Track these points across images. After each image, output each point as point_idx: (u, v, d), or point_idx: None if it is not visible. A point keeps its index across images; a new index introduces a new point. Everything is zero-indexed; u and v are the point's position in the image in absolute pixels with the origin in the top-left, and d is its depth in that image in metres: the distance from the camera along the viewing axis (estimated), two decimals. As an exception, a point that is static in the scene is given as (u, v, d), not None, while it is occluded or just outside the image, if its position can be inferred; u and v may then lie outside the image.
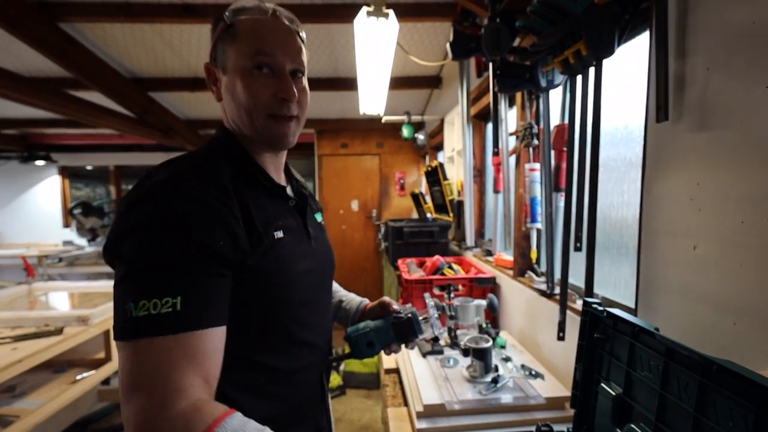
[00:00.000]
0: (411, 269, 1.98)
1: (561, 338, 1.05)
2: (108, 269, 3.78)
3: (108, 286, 2.48)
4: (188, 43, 2.44)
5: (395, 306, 0.81)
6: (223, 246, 0.51)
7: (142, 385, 0.44)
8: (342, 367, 3.01)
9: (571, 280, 1.08)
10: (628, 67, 1.05)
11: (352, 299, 0.92)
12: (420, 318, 0.76)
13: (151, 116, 3.14)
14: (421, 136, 3.42)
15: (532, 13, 0.92)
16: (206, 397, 0.47)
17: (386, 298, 0.84)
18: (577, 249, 0.96)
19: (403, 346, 0.77)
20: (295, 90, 0.62)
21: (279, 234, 0.61)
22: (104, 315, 1.73)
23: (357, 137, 4.25)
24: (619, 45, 0.85)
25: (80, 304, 2.16)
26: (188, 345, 0.46)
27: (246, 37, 0.60)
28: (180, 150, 4.38)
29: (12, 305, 2.02)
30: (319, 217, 0.80)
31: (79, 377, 1.68)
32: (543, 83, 1.11)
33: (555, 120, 1.25)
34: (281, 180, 0.71)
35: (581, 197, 0.95)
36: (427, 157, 3.98)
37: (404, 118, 3.37)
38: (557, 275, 1.21)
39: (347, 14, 1.99)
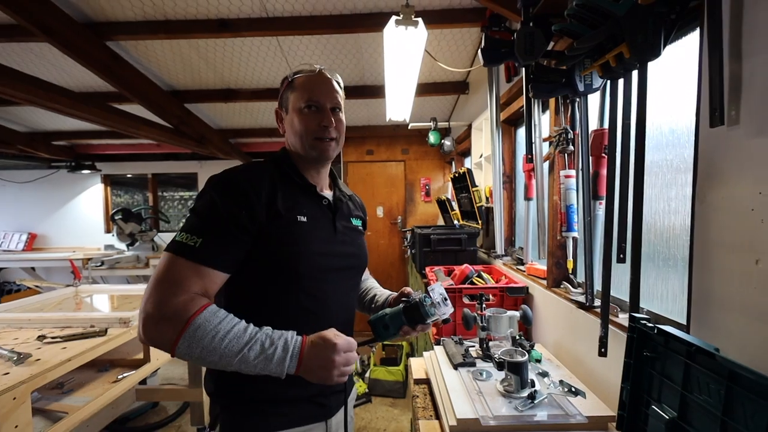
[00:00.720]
0: (439, 277, 1.95)
1: (602, 354, 1.00)
2: (145, 272, 3.96)
3: (143, 289, 2.58)
4: (222, 57, 2.55)
5: (408, 291, 0.93)
6: (243, 216, 0.75)
7: (165, 281, 0.69)
8: (368, 375, 3.00)
9: (612, 292, 1.03)
10: (672, 67, 1.00)
11: (383, 293, 1.04)
12: (428, 302, 0.83)
13: (187, 126, 3.28)
14: (447, 142, 3.39)
15: (570, 17, 0.89)
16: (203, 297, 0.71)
17: (406, 288, 0.95)
18: (621, 260, 0.91)
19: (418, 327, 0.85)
20: (333, 120, 0.88)
21: (302, 218, 0.83)
22: (143, 317, 1.80)
23: (382, 144, 4.27)
24: (665, 47, 0.81)
25: (119, 306, 2.27)
26: (197, 270, 0.71)
27: (300, 88, 0.87)
28: (212, 158, 4.55)
29: (61, 306, 2.14)
30: (354, 222, 0.99)
31: (120, 377, 1.75)
32: (581, 87, 1.07)
33: (592, 125, 1.20)
34: (323, 185, 0.95)
35: (624, 205, 0.90)
36: (454, 163, 3.94)
37: (431, 124, 3.36)
38: (597, 287, 1.16)
39: (375, 23, 2.02)
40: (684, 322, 0.89)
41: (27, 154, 4.12)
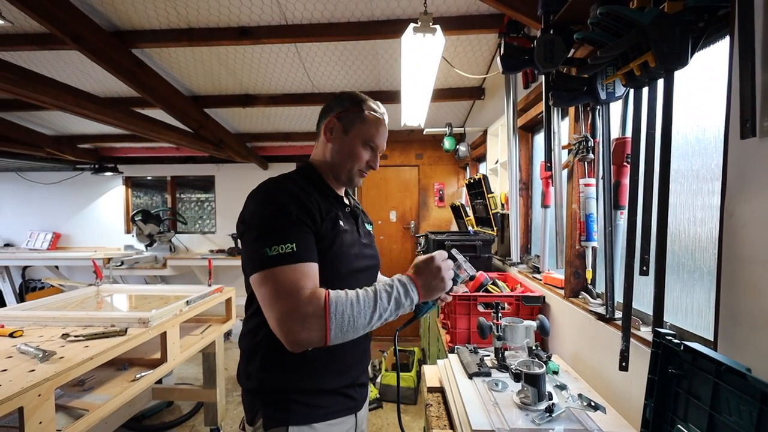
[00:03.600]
0: (453, 284, 1.94)
1: (623, 368, 0.98)
2: (162, 272, 4.04)
3: (161, 289, 2.65)
4: (242, 63, 2.60)
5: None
6: (308, 221, 0.84)
7: (284, 293, 0.75)
8: (379, 380, 2.99)
9: (633, 304, 1.01)
10: (699, 75, 0.97)
11: (396, 276, 1.11)
12: (457, 266, 0.91)
13: (206, 131, 3.36)
14: (462, 148, 3.38)
15: (594, 25, 0.88)
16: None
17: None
18: (644, 273, 0.89)
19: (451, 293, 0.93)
20: (378, 162, 1.01)
21: (342, 225, 0.92)
22: (161, 318, 1.84)
23: (396, 148, 4.28)
24: (692, 55, 0.79)
25: (138, 306, 2.33)
26: (302, 269, 0.78)
27: (371, 125, 0.96)
28: (229, 161, 4.64)
29: (83, 305, 2.21)
30: (368, 227, 1.11)
31: (138, 376, 1.79)
32: (603, 96, 1.05)
33: (613, 133, 1.18)
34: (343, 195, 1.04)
35: (648, 216, 0.88)
36: (468, 169, 3.92)
37: (446, 129, 3.35)
38: (617, 298, 1.13)
39: (393, 30, 2.04)
40: (710, 338, 0.86)
41: (54, 157, 4.27)
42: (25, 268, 5.01)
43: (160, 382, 2.27)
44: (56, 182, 5.05)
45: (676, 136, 1.00)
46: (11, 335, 1.61)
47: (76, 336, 1.59)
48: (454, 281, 0.90)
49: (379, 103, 1.01)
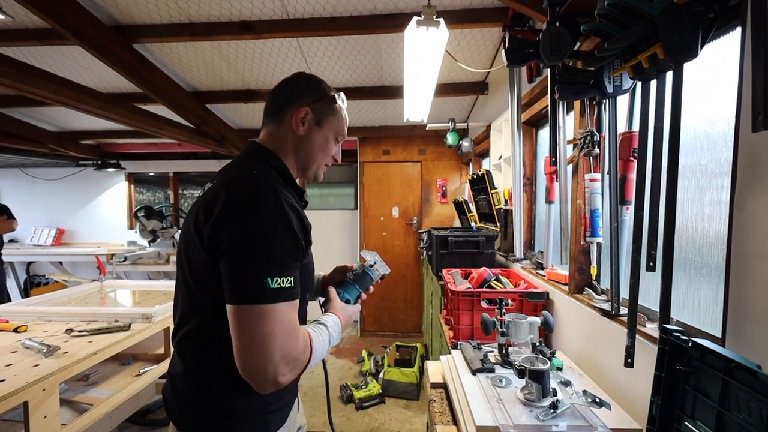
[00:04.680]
0: (456, 280, 1.93)
1: (629, 365, 0.97)
2: (165, 268, 4.05)
3: (164, 285, 2.66)
4: (243, 58, 2.59)
5: (346, 267, 1.06)
6: (303, 246, 0.76)
7: (282, 332, 0.68)
8: (381, 375, 3.00)
9: (639, 300, 1.00)
10: (708, 67, 0.95)
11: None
12: (369, 266, 1.04)
13: (208, 126, 3.35)
14: (465, 143, 3.36)
15: (601, 17, 0.86)
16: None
17: (339, 265, 1.07)
18: (650, 268, 0.88)
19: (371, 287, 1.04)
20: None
21: (311, 237, 0.83)
22: (164, 314, 1.84)
23: (399, 144, 4.26)
24: (702, 47, 0.77)
25: (141, 301, 2.34)
26: (295, 306, 0.73)
27: (340, 118, 0.92)
28: (231, 157, 4.63)
29: (87, 300, 2.22)
30: None
31: (142, 371, 1.80)
32: (609, 89, 1.04)
33: (620, 127, 1.16)
34: None
35: (655, 211, 0.87)
36: (471, 165, 3.90)
37: (449, 125, 3.33)
38: (622, 294, 1.12)
39: (395, 24, 2.01)
40: (718, 334, 0.86)
41: (57, 153, 4.28)
42: (29, 263, 5.04)
43: (164, 377, 2.28)
44: (59, 178, 5.06)
45: (684, 130, 0.98)
46: (16, 330, 1.62)
47: (80, 331, 1.60)
48: (372, 281, 1.03)
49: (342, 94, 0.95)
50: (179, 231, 4.79)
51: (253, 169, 0.80)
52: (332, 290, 0.96)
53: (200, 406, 0.78)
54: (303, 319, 0.86)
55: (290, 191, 0.82)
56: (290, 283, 0.70)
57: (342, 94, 0.93)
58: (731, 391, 0.58)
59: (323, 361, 0.98)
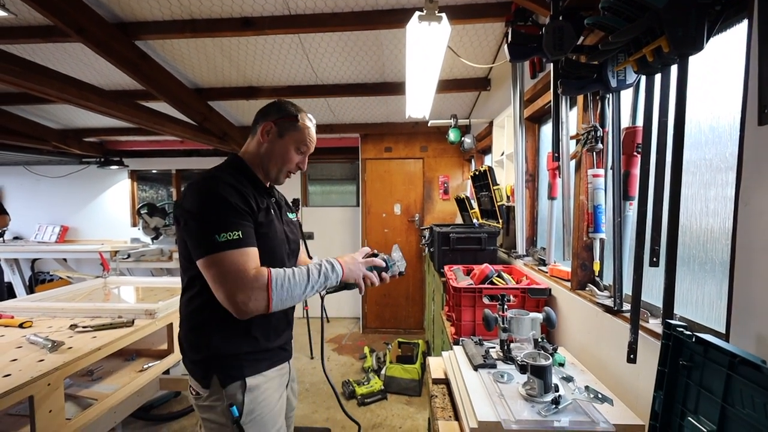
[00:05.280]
0: (458, 277, 1.93)
1: (631, 360, 0.97)
2: (168, 265, 4.07)
3: (167, 282, 2.68)
4: (245, 55, 2.58)
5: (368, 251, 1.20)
6: (248, 210, 0.98)
7: (232, 272, 0.91)
8: (383, 372, 3.00)
9: (641, 295, 0.99)
10: (713, 60, 0.94)
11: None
12: (393, 261, 1.18)
13: (210, 123, 3.35)
14: (468, 140, 3.34)
15: (605, 10, 0.85)
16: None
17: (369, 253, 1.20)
18: (654, 264, 0.87)
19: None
20: (306, 164, 1.18)
21: (272, 215, 1.08)
22: (168, 309, 1.85)
23: (401, 141, 4.25)
24: (708, 40, 0.77)
25: (145, 297, 2.35)
26: (247, 252, 0.94)
27: (302, 132, 1.12)
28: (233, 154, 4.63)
29: (91, 296, 2.23)
30: (290, 215, 1.25)
31: (146, 366, 1.81)
32: (613, 83, 1.03)
33: (623, 122, 1.15)
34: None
35: (659, 207, 0.86)
36: (473, 161, 3.89)
37: (451, 121, 3.31)
38: (625, 290, 1.12)
39: (397, 19, 2.00)
40: (722, 330, 0.85)
41: (60, 150, 4.30)
42: (34, 260, 5.08)
43: (167, 372, 2.30)
44: (63, 176, 5.09)
45: (688, 125, 0.97)
46: (21, 326, 1.63)
47: (84, 327, 1.61)
48: (387, 269, 1.16)
49: (311, 115, 1.16)
50: (182, 228, 4.83)
51: (215, 168, 1.06)
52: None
53: (190, 344, 1.05)
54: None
55: (243, 183, 1.03)
56: (238, 235, 0.93)
57: (308, 115, 1.15)
58: (735, 386, 0.58)
59: (322, 355, 1.32)
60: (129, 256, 4.29)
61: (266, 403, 1.04)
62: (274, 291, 0.93)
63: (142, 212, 4.54)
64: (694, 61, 0.80)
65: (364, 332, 4.33)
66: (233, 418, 0.98)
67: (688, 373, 0.67)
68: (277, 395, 1.09)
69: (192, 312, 1.03)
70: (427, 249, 3.17)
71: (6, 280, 4.44)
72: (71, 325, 1.62)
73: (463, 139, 3.37)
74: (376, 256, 1.17)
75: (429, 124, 3.44)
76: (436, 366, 1.36)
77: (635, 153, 1.06)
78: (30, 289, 4.90)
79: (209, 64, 2.71)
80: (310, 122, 1.14)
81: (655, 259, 0.87)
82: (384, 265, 1.15)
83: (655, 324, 1.01)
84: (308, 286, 0.98)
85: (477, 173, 2.70)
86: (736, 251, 0.74)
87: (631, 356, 0.97)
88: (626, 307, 1.11)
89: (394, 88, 3.03)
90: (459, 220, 3.93)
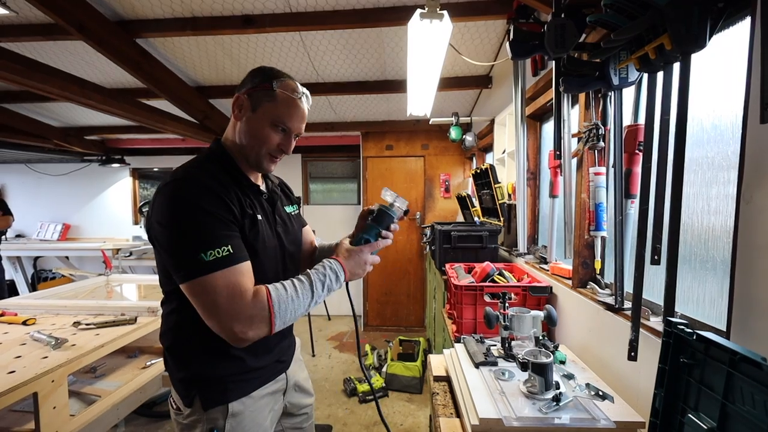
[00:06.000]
0: (460, 275, 1.93)
1: (632, 358, 0.97)
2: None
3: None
4: (246, 52, 2.58)
5: (366, 209, 1.06)
6: (232, 219, 0.83)
7: (227, 296, 0.76)
8: (384, 369, 3.01)
9: (643, 293, 0.99)
10: (715, 58, 0.94)
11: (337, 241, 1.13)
12: (389, 205, 1.00)
13: (211, 121, 3.35)
14: (469, 138, 3.34)
15: (607, 7, 0.85)
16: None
17: (364, 209, 1.07)
18: (655, 262, 0.87)
19: (391, 229, 1.02)
20: (292, 146, 0.95)
21: (260, 217, 0.92)
22: (170, 307, 1.86)
23: (402, 139, 4.24)
24: (710, 37, 0.76)
25: (147, 295, 2.36)
26: (241, 269, 0.79)
27: (281, 105, 0.89)
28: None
29: (93, 294, 2.25)
30: (289, 209, 1.10)
31: (148, 363, 1.82)
32: (615, 81, 1.02)
33: (625, 120, 1.15)
34: (258, 181, 1.00)
35: (660, 205, 0.86)
36: (475, 159, 3.88)
37: (452, 119, 3.31)
38: (626, 288, 1.12)
39: (399, 17, 2.00)
40: (722, 327, 0.85)
41: (62, 149, 4.31)
42: (36, 258, 5.10)
43: (169, 369, 2.31)
44: (64, 174, 5.10)
45: (690, 123, 0.98)
46: (24, 323, 1.65)
47: (87, 324, 1.62)
48: (392, 218, 1.00)
49: (297, 83, 0.92)
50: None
51: (189, 162, 0.89)
52: (343, 239, 1.02)
53: (173, 362, 0.91)
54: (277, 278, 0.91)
55: (221, 179, 0.86)
56: (227, 251, 0.77)
57: (294, 82, 0.91)
58: (735, 383, 0.58)
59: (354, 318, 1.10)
60: (131, 253, 4.30)
61: (251, 426, 0.92)
62: (276, 315, 0.79)
63: (143, 210, 4.55)
64: (696, 58, 0.80)
65: (366, 330, 4.34)
66: None
67: (689, 370, 0.67)
68: (266, 412, 0.97)
69: (171, 328, 0.90)
70: (428, 247, 3.17)
71: (8, 277, 4.46)
72: (74, 323, 1.63)
73: (464, 137, 3.36)
74: (372, 213, 1.01)
75: (430, 122, 3.44)
76: (438, 363, 1.37)
77: (637, 151, 1.06)
78: (32, 287, 4.92)
79: (210, 61, 2.71)
80: (293, 92, 0.90)
81: (656, 257, 0.87)
82: (389, 220, 1.00)
83: (655, 322, 1.01)
84: (312, 302, 0.86)
85: (478, 171, 2.70)
86: (737, 249, 0.74)
87: (632, 354, 0.97)
88: (627, 304, 1.11)
89: (396, 86, 3.02)
90: (460, 218, 3.93)
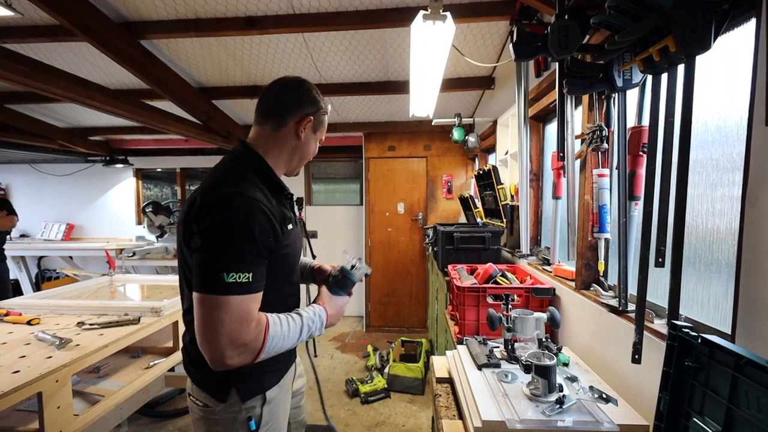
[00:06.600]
0: (462, 276, 1.93)
1: (636, 361, 0.96)
2: (172, 263, 4.09)
3: (172, 279, 2.70)
4: (249, 54, 2.59)
5: (326, 267, 1.15)
6: (271, 241, 0.86)
7: (233, 320, 0.78)
8: (386, 370, 3.01)
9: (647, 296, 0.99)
10: (720, 60, 0.94)
11: (305, 263, 1.22)
12: (349, 267, 1.06)
13: (214, 122, 3.36)
14: (472, 139, 3.34)
15: (612, 9, 0.85)
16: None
17: (319, 265, 1.18)
18: (659, 264, 0.87)
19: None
20: None
21: (290, 226, 0.95)
22: (173, 308, 1.87)
23: (404, 140, 4.25)
24: (715, 39, 0.76)
25: (150, 295, 2.37)
26: (254, 300, 0.82)
27: (324, 125, 1.04)
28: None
29: (97, 294, 2.26)
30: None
31: (151, 363, 1.83)
32: (619, 83, 1.02)
33: (629, 122, 1.15)
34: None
35: (665, 207, 0.86)
36: (477, 160, 3.88)
37: (455, 120, 3.31)
38: (630, 290, 1.11)
39: (402, 18, 2.00)
40: (727, 330, 0.85)
41: (66, 149, 4.33)
42: (40, 258, 5.13)
43: (172, 369, 2.32)
44: (69, 174, 5.13)
45: (695, 125, 0.97)
46: (29, 323, 1.65)
47: (91, 324, 1.62)
48: (353, 283, 1.08)
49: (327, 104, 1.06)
50: (186, 226, 4.85)
51: (231, 171, 0.89)
52: (323, 287, 1.08)
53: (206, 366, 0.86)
54: (287, 301, 1.00)
55: (266, 191, 0.90)
56: (248, 278, 0.80)
57: (330, 106, 1.06)
58: (741, 387, 0.58)
59: (311, 359, 1.38)
60: (134, 254, 4.32)
61: (280, 412, 1.01)
62: (265, 350, 0.83)
63: (147, 210, 4.57)
64: (701, 60, 0.80)
65: (368, 331, 4.34)
66: (250, 431, 0.94)
67: (694, 374, 0.67)
68: (288, 396, 1.08)
69: None
70: (431, 248, 3.17)
71: (13, 277, 4.49)
72: (78, 323, 1.64)
73: (466, 138, 3.36)
74: (329, 275, 1.10)
75: (433, 123, 3.44)
76: (440, 365, 1.36)
77: (641, 153, 1.06)
78: (36, 287, 4.95)
79: (213, 63, 2.72)
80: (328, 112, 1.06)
81: (660, 260, 0.87)
82: (350, 280, 1.07)
83: (659, 324, 1.01)
84: (293, 343, 0.91)
85: (481, 172, 2.70)
86: (742, 252, 0.74)
87: (636, 356, 0.96)
88: (631, 307, 1.11)
89: (398, 87, 3.03)
90: (462, 219, 3.92)
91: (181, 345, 1.06)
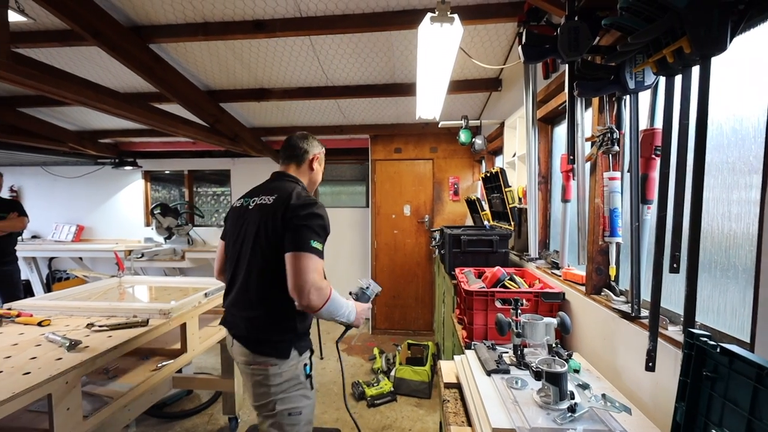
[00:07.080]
0: (470, 279, 1.91)
1: (650, 369, 0.94)
2: (181, 265, 4.11)
3: (180, 281, 2.72)
4: (256, 57, 2.60)
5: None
6: (329, 231, 1.35)
7: (317, 270, 1.23)
8: (393, 373, 3.00)
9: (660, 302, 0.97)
10: (737, 61, 0.92)
11: None
12: (365, 287, 1.54)
13: (222, 125, 3.38)
14: (479, 141, 3.32)
15: (624, 10, 0.83)
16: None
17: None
18: (674, 270, 0.85)
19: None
20: None
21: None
22: (181, 309, 1.88)
23: (410, 142, 4.24)
24: (731, 40, 0.74)
25: (158, 297, 2.38)
26: (322, 262, 1.27)
27: (323, 160, 1.59)
28: (244, 156, 4.68)
29: (106, 295, 2.28)
30: None
31: (159, 365, 1.84)
32: (631, 85, 1.01)
33: (641, 124, 1.13)
34: None
35: (679, 211, 0.84)
36: (484, 162, 3.85)
37: (461, 122, 3.29)
38: (643, 296, 1.09)
39: (408, 21, 2.00)
40: (746, 339, 0.83)
41: (76, 152, 4.39)
42: (51, 259, 5.20)
43: (180, 371, 2.33)
44: (79, 176, 5.20)
45: (710, 127, 0.95)
46: (40, 324, 1.67)
47: (100, 326, 1.64)
48: (367, 298, 1.52)
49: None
50: (194, 228, 4.89)
51: (298, 187, 1.40)
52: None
53: (274, 329, 1.31)
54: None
55: None
56: (322, 248, 1.27)
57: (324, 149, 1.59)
58: (763, 398, 0.56)
59: (339, 357, 1.64)
60: (143, 255, 4.36)
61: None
62: (329, 302, 1.24)
63: (155, 212, 4.61)
64: (716, 61, 0.78)
65: (374, 333, 4.33)
66: (307, 374, 1.37)
67: (712, 384, 0.65)
68: None
69: (275, 299, 1.29)
70: (437, 251, 3.15)
71: (24, 277, 4.56)
72: (88, 324, 1.65)
73: (473, 140, 3.34)
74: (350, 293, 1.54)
75: (439, 125, 3.42)
76: (448, 370, 1.35)
77: (653, 156, 1.04)
78: (47, 287, 5.02)
79: (221, 66, 2.74)
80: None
81: (675, 266, 0.85)
82: (366, 295, 1.52)
83: (674, 331, 0.99)
84: (341, 313, 1.31)
85: (488, 174, 2.68)
86: (761, 257, 0.72)
87: (650, 364, 0.94)
88: (644, 313, 1.09)
89: (405, 89, 3.02)
90: (469, 221, 3.90)
91: (242, 319, 1.35)
